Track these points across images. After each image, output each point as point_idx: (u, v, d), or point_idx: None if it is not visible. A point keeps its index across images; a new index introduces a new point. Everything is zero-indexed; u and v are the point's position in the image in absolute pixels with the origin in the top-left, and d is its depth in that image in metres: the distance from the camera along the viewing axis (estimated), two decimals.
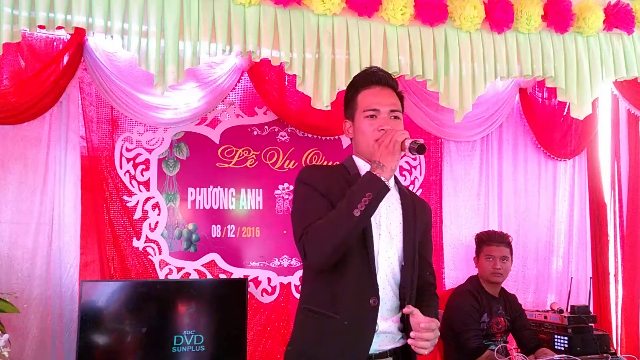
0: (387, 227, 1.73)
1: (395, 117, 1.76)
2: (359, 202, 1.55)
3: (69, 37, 3.01)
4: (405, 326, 1.70)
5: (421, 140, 1.62)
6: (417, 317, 1.61)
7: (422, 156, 3.82)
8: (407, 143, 1.62)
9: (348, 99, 1.84)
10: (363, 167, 1.77)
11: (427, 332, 1.58)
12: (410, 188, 3.79)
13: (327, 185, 1.69)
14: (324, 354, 1.64)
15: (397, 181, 1.86)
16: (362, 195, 1.56)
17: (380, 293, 1.67)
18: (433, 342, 1.60)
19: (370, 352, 1.65)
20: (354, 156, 1.84)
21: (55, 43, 3.10)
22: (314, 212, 1.64)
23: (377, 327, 1.65)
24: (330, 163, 3.60)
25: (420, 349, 1.59)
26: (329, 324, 1.64)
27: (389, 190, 1.60)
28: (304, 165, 3.58)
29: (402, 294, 1.72)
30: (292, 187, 3.50)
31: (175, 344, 2.87)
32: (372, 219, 1.66)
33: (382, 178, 1.58)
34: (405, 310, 1.64)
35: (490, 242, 3.17)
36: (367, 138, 1.74)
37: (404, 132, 1.65)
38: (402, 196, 1.82)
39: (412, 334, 1.59)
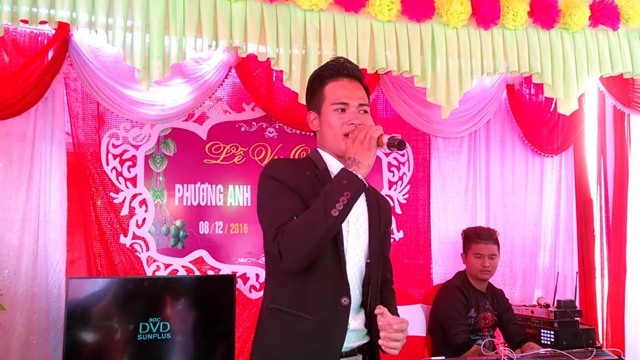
0: (354, 224, 1.69)
1: (364, 111, 1.72)
2: (336, 201, 1.50)
3: (53, 32, 2.98)
4: (368, 322, 1.68)
5: (399, 136, 1.58)
6: (388, 317, 1.58)
7: (410, 152, 3.84)
8: (385, 139, 1.57)
9: (313, 89, 1.77)
10: (330, 161, 1.72)
11: (398, 332, 1.56)
12: (399, 184, 3.81)
13: (297, 180, 1.63)
14: (295, 355, 1.58)
15: None
16: (339, 194, 1.50)
17: (350, 291, 1.64)
18: (402, 342, 1.58)
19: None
20: (319, 149, 1.77)
21: (39, 38, 3.07)
22: (287, 210, 1.56)
23: (348, 326, 1.62)
24: None
25: (391, 350, 1.57)
26: (300, 324, 1.58)
27: (366, 188, 1.57)
28: None
29: (365, 290, 1.68)
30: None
31: (163, 340, 2.86)
32: None
33: (359, 175, 1.54)
34: (377, 311, 1.60)
35: (478, 239, 3.18)
36: (335, 132, 1.68)
37: (378, 127, 1.60)
38: (366, 192, 1.76)
39: (382, 334, 1.56)
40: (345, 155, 1.60)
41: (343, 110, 1.69)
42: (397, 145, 1.56)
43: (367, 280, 1.68)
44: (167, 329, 2.88)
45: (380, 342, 1.57)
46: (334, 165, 1.70)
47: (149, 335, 2.84)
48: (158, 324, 2.87)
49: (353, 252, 1.67)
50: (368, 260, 1.69)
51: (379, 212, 1.78)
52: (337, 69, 1.73)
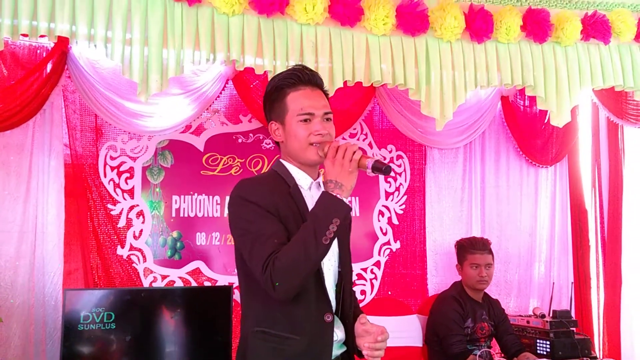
0: None
1: (328, 119, 1.68)
2: (326, 229, 1.48)
3: (52, 44, 3.01)
4: (346, 332, 1.69)
5: (384, 160, 1.56)
6: (369, 326, 1.63)
7: (407, 163, 3.87)
8: (369, 162, 1.55)
9: (273, 100, 1.71)
10: (297, 174, 1.69)
11: (382, 343, 1.60)
12: (396, 195, 3.84)
13: (274, 202, 1.59)
14: None
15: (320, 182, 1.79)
16: (328, 222, 1.49)
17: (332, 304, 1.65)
18: (384, 351, 1.62)
19: None
20: (283, 161, 1.73)
21: (38, 51, 3.10)
22: (272, 237, 1.53)
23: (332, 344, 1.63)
24: None
25: (375, 358, 1.61)
26: (289, 345, 1.57)
27: (351, 210, 1.56)
28: None
29: (338, 298, 1.68)
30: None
31: (159, 351, 2.86)
32: None
33: (344, 200, 1.52)
34: (362, 321, 1.64)
35: (474, 250, 3.20)
36: (301, 143, 1.65)
37: (356, 146, 1.57)
38: None
39: (367, 344, 1.60)
40: (325, 177, 1.58)
41: (308, 120, 1.65)
42: (384, 170, 1.53)
43: (339, 287, 1.69)
44: (164, 340, 2.89)
45: (365, 352, 1.61)
46: (302, 179, 1.69)
47: (145, 346, 2.84)
48: (155, 335, 2.87)
49: (328, 263, 1.67)
50: (339, 269, 1.71)
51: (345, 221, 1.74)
52: (297, 77, 1.69)
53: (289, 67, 1.79)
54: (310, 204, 1.61)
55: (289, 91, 1.68)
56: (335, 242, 1.64)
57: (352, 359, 1.71)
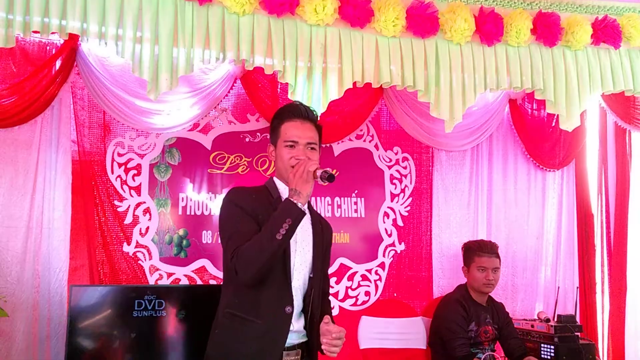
0: (301, 243, 1.99)
1: (312, 149, 2.00)
2: (280, 227, 1.79)
3: (62, 41, 3.01)
4: (308, 326, 1.98)
5: (330, 170, 1.85)
6: (330, 326, 1.91)
7: (412, 165, 3.87)
8: (319, 172, 1.85)
9: (273, 127, 2.06)
10: (284, 189, 2.01)
11: (337, 340, 1.88)
12: (401, 197, 3.83)
13: (255, 208, 1.92)
14: (245, 352, 1.87)
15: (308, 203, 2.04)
16: (282, 221, 1.80)
17: (294, 301, 1.94)
18: (340, 347, 1.91)
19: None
20: (275, 178, 2.07)
21: (48, 47, 3.10)
22: (244, 234, 1.85)
23: (291, 328, 1.93)
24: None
25: (331, 353, 1.90)
26: (251, 327, 1.88)
27: (305, 215, 1.84)
28: None
29: (307, 300, 1.98)
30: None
31: (164, 349, 2.87)
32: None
33: (299, 204, 1.82)
34: (324, 320, 1.93)
35: (482, 253, 3.20)
36: (284, 165, 1.98)
37: (314, 162, 1.90)
38: (312, 215, 2.09)
39: (324, 340, 1.90)
40: (288, 186, 1.89)
41: (293, 146, 1.98)
42: (327, 177, 1.84)
43: (309, 291, 1.99)
44: (169, 338, 2.89)
45: (324, 347, 1.91)
46: (286, 194, 1.93)
47: (150, 343, 2.85)
48: (159, 332, 2.87)
49: (299, 268, 1.97)
50: (311, 275, 2.01)
51: (322, 234, 2.08)
52: (293, 110, 2.03)
53: (290, 102, 2.14)
54: None
55: (284, 121, 2.03)
56: (309, 252, 2.01)
57: (312, 349, 1.99)
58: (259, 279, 1.85)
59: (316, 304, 2.01)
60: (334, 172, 1.86)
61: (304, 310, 1.99)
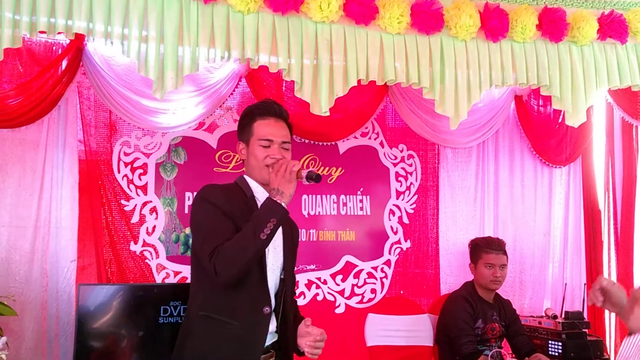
0: (273, 243, 1.92)
1: (286, 148, 1.99)
2: (264, 226, 1.76)
3: (68, 41, 3.02)
4: (280, 325, 1.95)
5: (315, 171, 1.86)
6: (312, 328, 1.93)
7: (418, 162, 3.87)
8: (304, 173, 1.87)
9: (244, 124, 2.02)
10: (256, 188, 1.98)
11: (321, 342, 1.90)
12: (406, 194, 3.83)
13: (230, 205, 1.87)
14: (223, 355, 1.82)
15: None
16: (267, 220, 1.77)
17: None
18: (321, 349, 1.92)
19: None
20: (246, 177, 2.02)
21: (54, 47, 3.12)
22: (221, 232, 1.81)
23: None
24: (322, 169, 3.66)
25: (313, 355, 1.91)
26: (228, 329, 1.83)
27: (288, 214, 1.83)
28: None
29: (278, 300, 1.94)
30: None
31: (171, 347, 2.87)
32: None
33: (282, 204, 1.80)
34: (307, 323, 1.95)
35: (489, 250, 3.19)
36: (259, 163, 1.95)
37: (296, 162, 1.88)
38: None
39: (308, 342, 1.91)
40: (269, 185, 1.87)
41: (268, 146, 1.95)
42: (314, 178, 1.86)
43: (280, 292, 1.95)
44: (176, 336, 2.89)
45: (305, 349, 1.92)
46: (259, 192, 1.97)
47: (158, 341, 2.86)
48: (167, 330, 2.89)
49: (272, 268, 1.94)
50: (282, 276, 1.98)
51: (292, 234, 2.08)
52: (266, 108, 2.00)
53: (262, 100, 2.11)
54: None
55: (257, 118, 1.99)
56: (281, 252, 1.99)
57: (286, 347, 1.98)
58: (238, 279, 1.81)
59: (288, 304, 1.99)
60: (319, 171, 1.86)
61: (275, 311, 1.94)
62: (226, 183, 2.05)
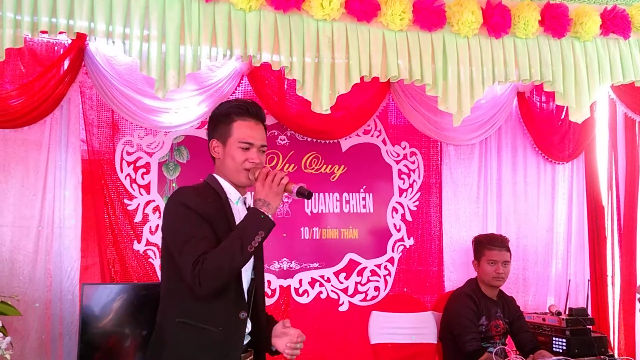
0: None
1: (263, 151, 1.95)
2: (252, 239, 1.74)
3: (69, 41, 3.03)
4: (252, 325, 1.93)
5: (306, 187, 1.83)
6: (290, 329, 1.92)
7: (420, 159, 3.86)
8: (294, 187, 1.83)
9: (220, 121, 1.94)
10: (228, 189, 1.93)
11: (300, 344, 1.90)
12: (409, 191, 3.83)
13: (207, 209, 1.81)
14: None
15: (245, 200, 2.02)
16: (255, 233, 1.75)
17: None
18: (300, 349, 1.92)
19: None
20: (216, 176, 1.96)
21: (56, 47, 3.12)
22: (202, 240, 1.75)
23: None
24: (324, 167, 3.66)
25: (292, 356, 1.91)
26: (207, 336, 1.79)
27: (275, 225, 1.80)
28: (302, 168, 3.61)
29: (249, 300, 1.90)
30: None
31: None
32: None
33: (270, 216, 1.78)
34: (286, 325, 1.95)
35: (492, 246, 3.18)
36: (237, 166, 1.89)
37: (284, 173, 1.84)
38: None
39: (288, 344, 1.90)
40: (255, 195, 1.82)
41: (247, 149, 1.89)
42: (306, 195, 1.84)
43: (250, 293, 1.92)
44: None
45: (286, 350, 1.91)
46: (232, 194, 1.93)
47: None
48: None
49: (245, 269, 1.88)
50: (253, 277, 1.95)
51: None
52: (247, 109, 1.93)
53: (240, 100, 2.04)
54: (237, 216, 1.88)
55: (236, 119, 1.92)
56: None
57: (259, 349, 1.97)
58: (220, 290, 1.78)
59: (260, 303, 1.97)
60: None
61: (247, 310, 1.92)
62: (197, 184, 1.99)
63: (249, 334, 1.93)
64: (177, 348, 1.80)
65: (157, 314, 1.91)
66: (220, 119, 1.95)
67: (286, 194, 1.86)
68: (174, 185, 3.37)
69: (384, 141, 3.82)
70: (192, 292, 1.75)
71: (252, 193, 1.87)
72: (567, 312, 3.31)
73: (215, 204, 1.86)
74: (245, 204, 2.00)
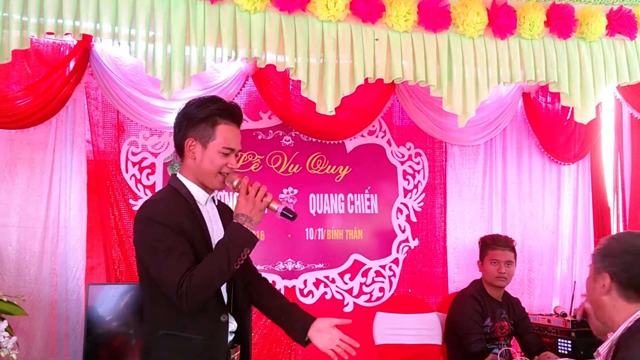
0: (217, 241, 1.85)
1: (237, 155, 1.92)
2: (238, 257, 1.74)
3: (75, 42, 3.04)
4: (235, 316, 1.93)
5: (290, 206, 1.84)
6: (338, 332, 1.96)
7: (425, 160, 3.86)
8: (279, 208, 1.83)
9: (201, 121, 1.86)
10: (196, 191, 1.89)
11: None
12: (414, 192, 3.82)
13: (179, 221, 1.77)
14: None
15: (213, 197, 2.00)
16: (240, 250, 1.74)
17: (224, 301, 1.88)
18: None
19: None
20: (182, 178, 1.90)
21: (61, 48, 3.14)
22: (183, 256, 1.73)
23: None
24: (329, 168, 3.66)
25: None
26: (191, 345, 1.79)
27: (257, 241, 1.81)
28: (307, 169, 3.61)
29: (229, 298, 1.91)
30: (296, 192, 3.54)
31: None
32: (211, 236, 1.86)
33: (254, 232, 1.78)
34: (333, 322, 1.98)
35: (495, 246, 3.18)
36: (214, 170, 1.86)
37: (264, 188, 1.83)
38: (220, 210, 2.00)
39: (339, 345, 1.93)
40: (236, 210, 1.81)
41: (228, 154, 1.87)
42: (291, 217, 1.85)
43: (230, 291, 1.91)
44: None
45: (335, 350, 1.93)
46: (200, 197, 1.89)
47: None
48: None
49: None
50: None
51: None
52: (232, 113, 1.90)
53: (224, 102, 1.93)
54: (207, 217, 1.89)
55: (220, 122, 1.86)
56: None
57: (243, 336, 1.97)
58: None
59: (239, 298, 1.95)
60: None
61: (228, 307, 1.92)
62: (161, 192, 1.97)
63: (234, 331, 1.93)
64: (164, 358, 1.80)
65: (143, 327, 1.91)
66: (202, 119, 1.87)
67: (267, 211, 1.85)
68: None
69: (388, 142, 3.82)
70: (171, 304, 1.74)
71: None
72: (572, 314, 3.30)
73: (184, 211, 1.82)
74: (214, 201, 1.98)
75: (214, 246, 1.83)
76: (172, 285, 1.69)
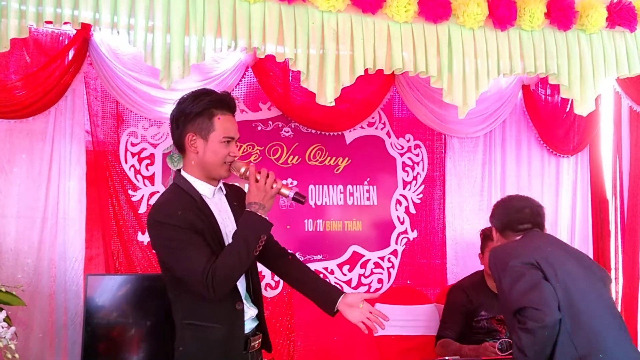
0: (230, 232, 1.91)
1: (237, 143, 1.98)
2: (257, 244, 1.82)
3: (74, 31, 3.03)
4: (255, 301, 2.02)
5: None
6: (365, 306, 2.00)
7: (424, 152, 3.86)
8: (290, 193, 1.89)
9: (198, 115, 1.90)
10: (202, 187, 1.94)
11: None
12: (413, 184, 3.82)
13: (188, 220, 1.83)
14: (214, 357, 1.89)
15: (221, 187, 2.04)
16: (258, 237, 1.82)
17: (239, 289, 1.95)
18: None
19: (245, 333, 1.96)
20: (186, 174, 1.95)
21: (60, 38, 3.12)
22: (202, 249, 1.81)
23: (245, 326, 1.95)
24: (328, 159, 3.66)
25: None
26: (211, 333, 1.88)
27: (272, 226, 1.88)
28: (306, 160, 3.61)
29: (248, 285, 1.99)
30: (296, 183, 3.54)
31: None
32: (222, 228, 1.93)
33: (267, 218, 1.84)
34: (363, 297, 2.01)
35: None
36: (219, 160, 1.91)
37: (272, 173, 1.89)
38: (228, 199, 2.04)
39: (369, 318, 1.99)
40: (248, 199, 1.87)
41: (229, 142, 1.92)
42: (302, 200, 1.91)
43: (248, 275, 1.99)
44: None
45: (366, 323, 1.99)
46: (206, 191, 1.95)
47: (166, 331, 2.87)
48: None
49: None
50: None
51: (240, 209, 1.97)
52: (227, 103, 1.95)
53: (219, 93, 1.98)
54: (216, 210, 1.94)
55: (217, 113, 1.91)
56: None
57: (263, 332, 2.05)
58: None
59: (256, 283, 2.05)
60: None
61: (247, 290, 2.00)
62: (166, 192, 1.99)
63: (257, 317, 2.02)
64: (189, 348, 1.90)
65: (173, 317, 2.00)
66: (199, 113, 1.90)
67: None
68: None
69: (388, 133, 3.82)
70: (193, 295, 1.84)
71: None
72: None
73: (191, 208, 1.87)
74: (223, 190, 2.04)
75: (225, 236, 1.92)
76: (198, 278, 1.76)
